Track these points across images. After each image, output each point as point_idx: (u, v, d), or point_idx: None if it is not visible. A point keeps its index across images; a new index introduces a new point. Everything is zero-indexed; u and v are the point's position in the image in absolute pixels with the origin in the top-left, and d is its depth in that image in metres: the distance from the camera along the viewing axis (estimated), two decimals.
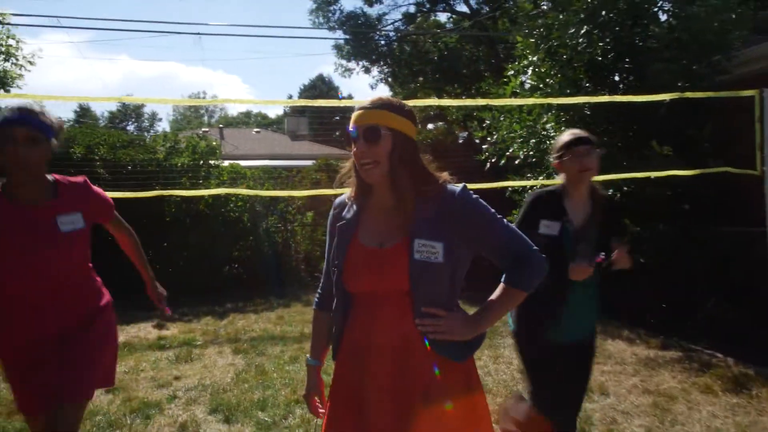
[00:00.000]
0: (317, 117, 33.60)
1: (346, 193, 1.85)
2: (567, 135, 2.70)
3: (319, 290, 1.95)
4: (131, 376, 4.87)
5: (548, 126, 7.39)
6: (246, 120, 58.00)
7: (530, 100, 6.59)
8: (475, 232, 1.67)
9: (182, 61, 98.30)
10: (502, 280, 1.71)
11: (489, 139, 8.18)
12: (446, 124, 17.77)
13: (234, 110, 67.45)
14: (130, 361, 5.30)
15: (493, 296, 1.71)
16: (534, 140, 7.50)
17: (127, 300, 7.79)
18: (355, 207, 1.79)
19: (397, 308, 1.64)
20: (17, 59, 10.18)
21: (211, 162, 9.81)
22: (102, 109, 57.78)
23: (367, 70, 19.26)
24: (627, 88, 6.76)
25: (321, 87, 41.67)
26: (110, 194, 2.60)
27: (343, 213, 1.80)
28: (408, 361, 1.62)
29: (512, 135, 7.63)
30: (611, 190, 6.69)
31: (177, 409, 4.12)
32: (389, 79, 19.36)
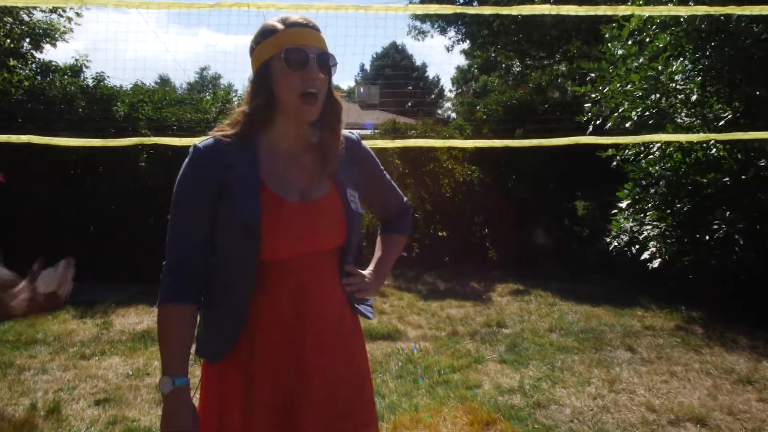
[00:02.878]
0: (389, 86, 32.29)
1: (208, 137, 1.41)
2: None
3: (171, 274, 1.38)
4: (133, 381, 3.83)
5: (677, 77, 5.78)
6: None
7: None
8: (373, 181, 1.62)
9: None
10: (389, 230, 1.72)
11: (593, 95, 6.61)
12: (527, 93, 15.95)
13: None
14: (140, 358, 4.29)
15: (385, 246, 1.70)
16: (656, 95, 5.90)
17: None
18: (243, 152, 1.39)
19: (327, 271, 1.46)
20: (64, 10, 9.42)
21: None
22: (180, 80, 58.79)
23: (443, 31, 17.67)
24: None
25: (394, 55, 40.14)
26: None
27: (227, 160, 1.37)
28: (342, 330, 1.48)
29: (628, 89, 6.04)
30: (763, 161, 5.07)
31: None
32: (467, 40, 17.69)
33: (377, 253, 1.69)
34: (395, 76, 35.56)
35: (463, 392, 3.60)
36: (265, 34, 1.38)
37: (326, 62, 1.38)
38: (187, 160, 1.38)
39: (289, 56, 1.34)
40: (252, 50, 1.42)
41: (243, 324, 1.37)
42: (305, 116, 1.38)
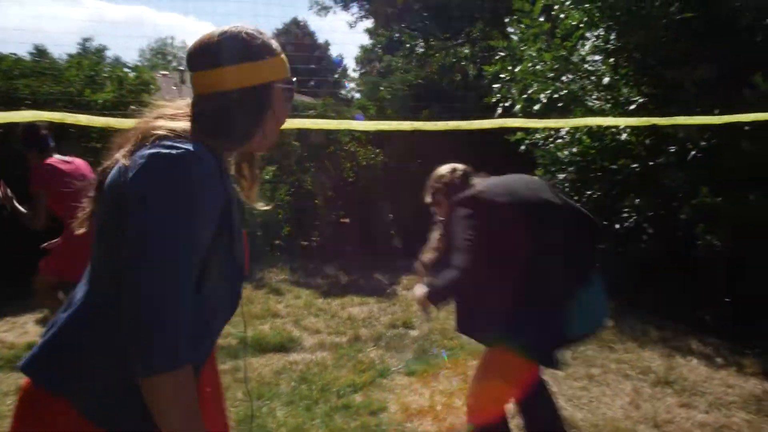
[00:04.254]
0: (290, 64, 31.04)
1: (189, 144, 1.12)
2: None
3: (183, 327, 1.03)
4: None
5: (589, 58, 5.51)
6: None
7: None
8: None
9: (152, 6, 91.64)
10: None
11: (503, 76, 6.25)
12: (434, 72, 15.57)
13: None
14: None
15: None
16: (567, 76, 5.62)
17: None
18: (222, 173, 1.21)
19: None
20: None
21: (145, 99, 7.75)
22: (60, 51, 54.07)
23: (345, 6, 16.98)
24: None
25: (295, 31, 38.74)
26: None
27: (224, 182, 1.21)
28: None
29: (538, 69, 5.71)
30: (673, 147, 4.89)
31: None
32: (370, 17, 17.11)
33: None
34: (297, 57, 34.35)
35: (365, 420, 3.06)
36: (269, 50, 1.24)
37: None
38: (194, 169, 1.08)
39: (292, 88, 1.29)
40: (246, 56, 1.20)
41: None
42: (273, 144, 1.32)
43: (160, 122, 1.16)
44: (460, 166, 2.55)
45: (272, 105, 1.24)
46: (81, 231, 1.22)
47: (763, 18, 4.43)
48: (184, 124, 1.17)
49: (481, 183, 2.39)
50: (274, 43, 1.27)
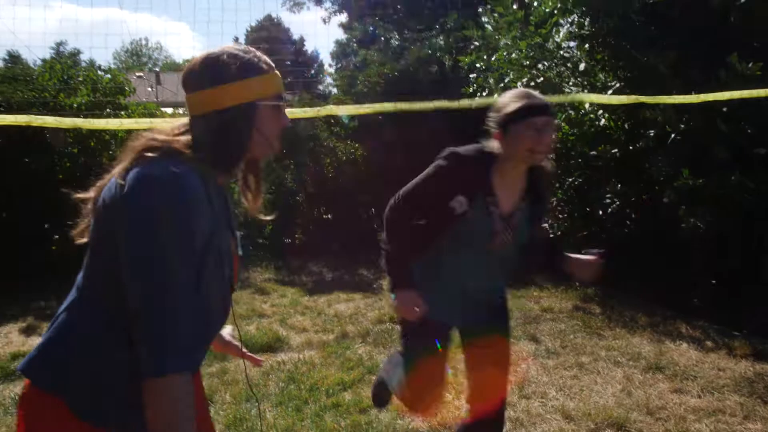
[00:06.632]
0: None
1: (184, 169, 1.21)
2: (520, 97, 1.90)
3: (188, 334, 1.11)
4: None
5: (564, 45, 5.49)
6: None
7: None
8: None
9: (126, 7, 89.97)
10: None
11: (479, 65, 6.22)
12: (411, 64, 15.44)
13: (179, 57, 63.09)
14: None
15: None
16: (543, 64, 5.60)
17: None
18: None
19: None
20: None
21: (120, 102, 7.58)
22: (34, 56, 52.91)
23: (318, 2, 16.81)
24: None
25: (270, 28, 38.33)
26: None
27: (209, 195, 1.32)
28: None
29: (513, 57, 5.68)
30: (652, 131, 4.89)
31: None
32: (343, 11, 16.97)
33: None
34: (272, 51, 34.02)
35: (356, 418, 3.02)
36: (252, 69, 1.23)
37: None
38: (182, 195, 1.11)
39: (280, 105, 1.28)
40: (224, 77, 1.21)
41: None
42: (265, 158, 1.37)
43: (155, 142, 1.19)
44: None
45: (255, 124, 1.24)
46: (81, 241, 1.24)
47: None
48: (179, 145, 1.19)
49: None
50: (263, 61, 1.26)
